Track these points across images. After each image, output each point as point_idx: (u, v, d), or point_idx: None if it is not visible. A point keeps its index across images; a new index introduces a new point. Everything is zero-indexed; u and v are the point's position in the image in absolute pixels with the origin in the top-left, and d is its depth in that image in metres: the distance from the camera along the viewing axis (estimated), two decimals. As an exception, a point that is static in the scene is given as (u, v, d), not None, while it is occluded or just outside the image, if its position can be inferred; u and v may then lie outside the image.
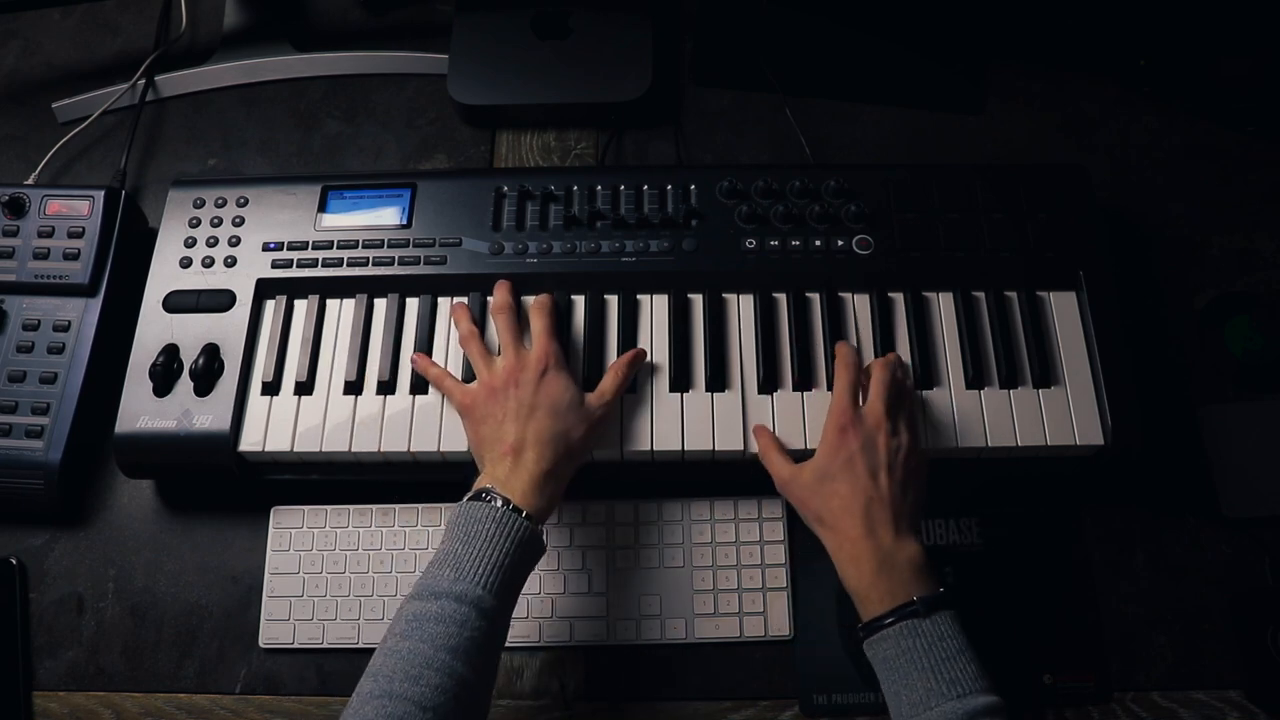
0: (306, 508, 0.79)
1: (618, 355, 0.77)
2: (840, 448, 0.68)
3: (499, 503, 0.64)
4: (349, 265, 0.81)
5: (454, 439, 0.75)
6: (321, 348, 0.80)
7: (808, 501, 0.69)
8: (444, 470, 0.77)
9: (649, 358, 0.78)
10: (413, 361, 0.77)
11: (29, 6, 1.01)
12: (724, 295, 0.80)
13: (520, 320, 0.77)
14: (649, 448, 0.75)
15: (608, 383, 0.74)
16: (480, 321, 0.78)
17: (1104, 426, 0.75)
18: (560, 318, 0.77)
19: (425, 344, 0.78)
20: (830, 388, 0.75)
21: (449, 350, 0.79)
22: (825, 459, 0.69)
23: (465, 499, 0.66)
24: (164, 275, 0.82)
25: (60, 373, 0.81)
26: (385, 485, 0.79)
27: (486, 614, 0.60)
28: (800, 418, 0.75)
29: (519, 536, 0.64)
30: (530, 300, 0.78)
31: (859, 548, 0.65)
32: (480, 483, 0.67)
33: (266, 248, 0.82)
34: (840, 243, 0.81)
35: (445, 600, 0.60)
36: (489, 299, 0.78)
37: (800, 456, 0.73)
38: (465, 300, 0.79)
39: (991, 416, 0.76)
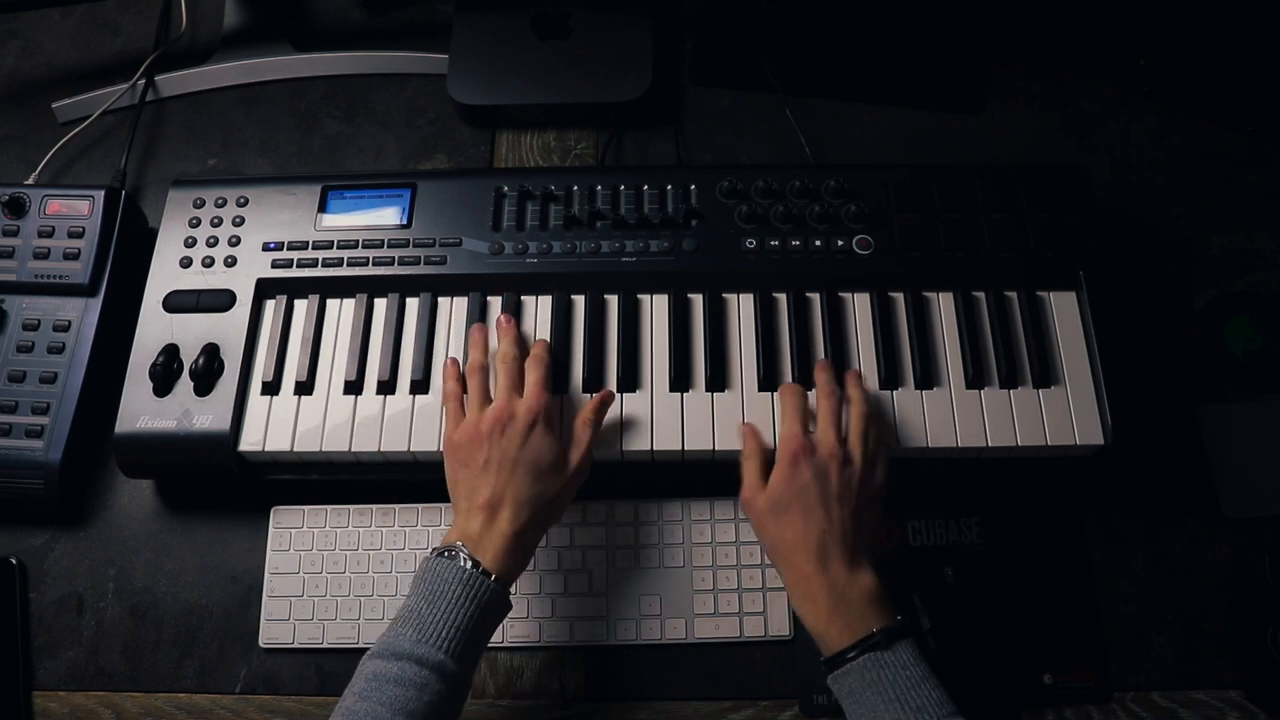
0: (306, 508, 0.79)
1: (618, 355, 0.78)
2: (793, 478, 0.68)
3: (469, 564, 0.64)
4: (349, 265, 0.81)
5: (454, 439, 0.75)
6: (321, 348, 0.80)
7: (763, 529, 0.69)
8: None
9: (649, 358, 0.78)
10: (445, 365, 0.76)
11: (29, 6, 1.01)
12: (724, 295, 0.80)
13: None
14: (649, 448, 0.75)
15: (583, 437, 0.72)
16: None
17: (1104, 426, 0.75)
18: (556, 370, 0.76)
19: (425, 344, 0.78)
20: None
21: (449, 351, 0.79)
22: (779, 489, 0.68)
23: (432, 552, 0.65)
24: (164, 275, 0.82)
25: (60, 373, 0.81)
26: (385, 485, 0.79)
27: (447, 679, 0.60)
28: (800, 418, 0.75)
29: (485, 600, 0.63)
30: (529, 350, 0.75)
31: (813, 584, 0.65)
32: (450, 537, 0.66)
33: (266, 248, 0.82)
34: (840, 243, 0.81)
35: (406, 662, 0.60)
36: (496, 332, 0.76)
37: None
38: (484, 326, 0.77)
39: (991, 416, 0.76)
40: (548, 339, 0.78)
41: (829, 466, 0.68)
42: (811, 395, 0.74)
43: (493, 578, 0.64)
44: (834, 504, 0.66)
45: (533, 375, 0.72)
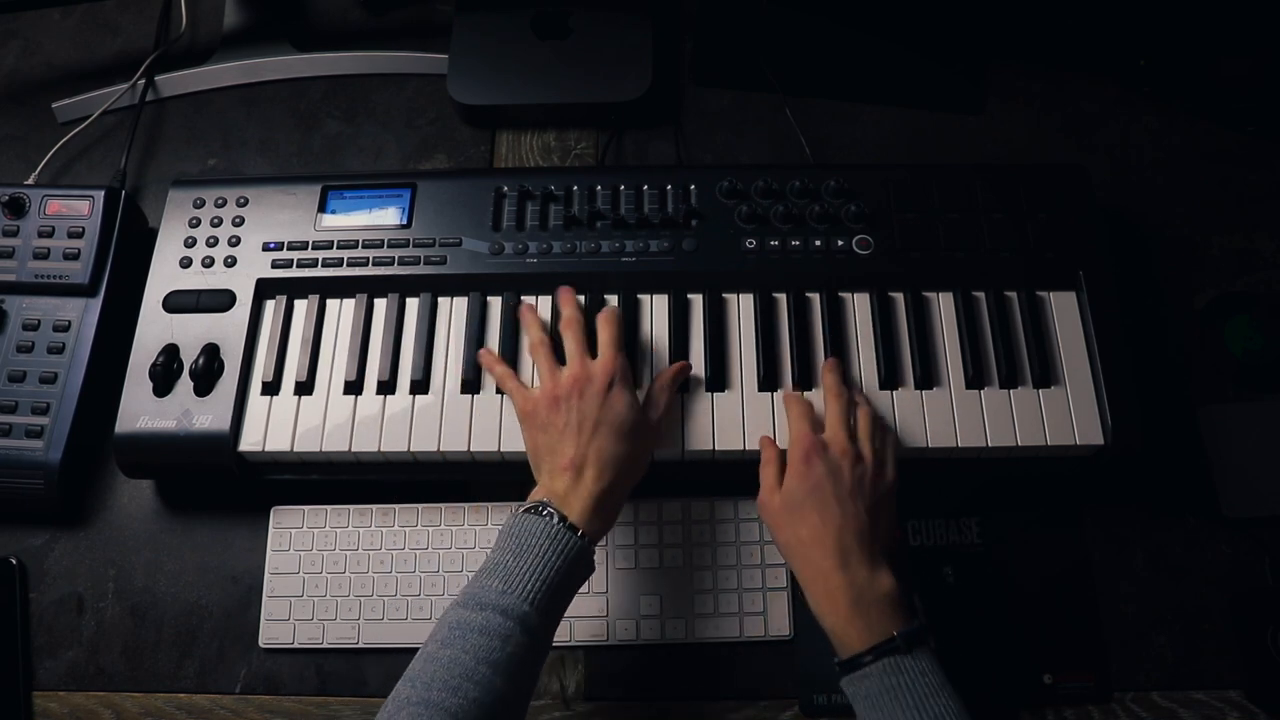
0: (306, 508, 0.79)
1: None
2: (807, 475, 0.67)
3: (555, 519, 0.64)
4: (349, 265, 0.81)
5: (454, 439, 0.75)
6: (321, 348, 0.80)
7: (779, 529, 0.68)
8: (444, 470, 0.77)
9: (649, 358, 0.78)
10: (479, 357, 0.76)
11: (29, 6, 1.01)
12: (724, 295, 0.80)
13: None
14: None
15: (660, 399, 0.73)
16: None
17: (1104, 426, 0.75)
18: (626, 328, 0.76)
19: (425, 344, 0.78)
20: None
21: (449, 350, 0.79)
22: (793, 486, 0.68)
23: (520, 509, 0.65)
24: (164, 275, 0.82)
25: (60, 373, 0.81)
26: (385, 485, 0.79)
27: (531, 631, 0.60)
28: (800, 418, 0.75)
29: (572, 555, 0.63)
30: (599, 313, 0.76)
31: (832, 581, 0.64)
32: (536, 494, 0.66)
33: (266, 248, 0.82)
34: (840, 243, 0.81)
35: (491, 612, 0.59)
36: (558, 306, 0.76)
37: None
38: (532, 301, 0.78)
39: (991, 416, 0.76)
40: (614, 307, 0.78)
41: (841, 464, 0.68)
42: (816, 397, 0.75)
43: (579, 533, 0.64)
44: (849, 500, 0.66)
45: (605, 333, 0.73)
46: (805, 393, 0.76)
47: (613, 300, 0.80)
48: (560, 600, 0.63)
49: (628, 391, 0.70)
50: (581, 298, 0.80)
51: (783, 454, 0.72)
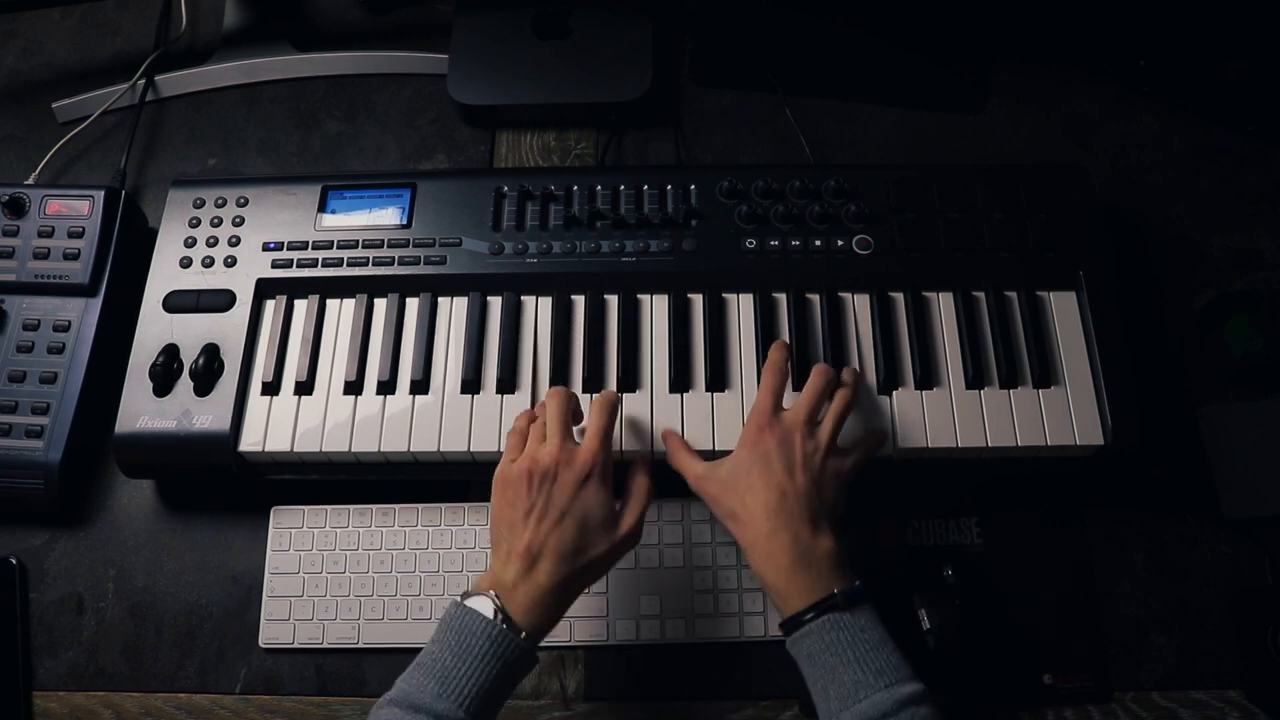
0: (306, 508, 0.79)
1: (618, 355, 0.78)
2: (757, 444, 0.68)
3: (499, 618, 0.61)
4: (349, 265, 0.81)
5: (454, 439, 0.75)
6: (321, 348, 0.80)
7: (721, 498, 0.68)
8: (444, 470, 0.77)
9: (649, 358, 0.78)
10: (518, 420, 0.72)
11: (29, 6, 1.01)
12: (724, 295, 0.80)
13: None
14: (649, 448, 0.75)
15: (636, 505, 0.68)
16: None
17: (1104, 426, 0.75)
18: (616, 420, 0.72)
19: (425, 344, 0.78)
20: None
21: (449, 350, 0.79)
22: (741, 454, 0.68)
23: (463, 598, 0.63)
24: (164, 275, 0.82)
25: (60, 373, 0.81)
26: (385, 485, 0.79)
27: None
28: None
29: (512, 658, 0.61)
30: (594, 397, 0.75)
31: (774, 543, 0.64)
32: (484, 583, 0.64)
33: (266, 248, 0.82)
34: (840, 243, 0.81)
35: (425, 716, 0.58)
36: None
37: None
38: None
39: (991, 416, 0.76)
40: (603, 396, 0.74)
41: (793, 437, 0.68)
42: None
43: (522, 634, 0.61)
44: (797, 469, 0.66)
45: (596, 422, 0.69)
46: None
47: (613, 299, 0.80)
48: (496, 701, 0.62)
49: (603, 490, 0.66)
50: (580, 298, 0.80)
51: (684, 441, 0.73)
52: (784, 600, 0.64)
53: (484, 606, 0.62)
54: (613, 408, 0.70)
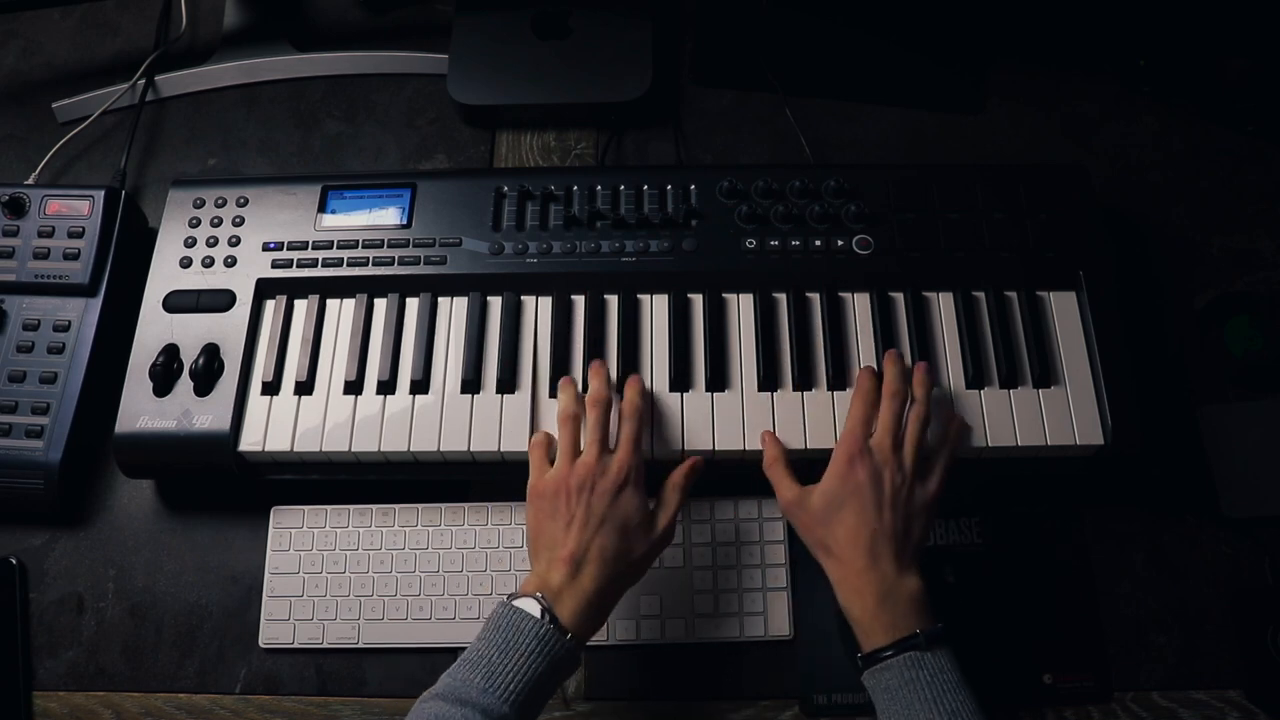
0: (306, 508, 0.79)
1: (618, 355, 0.78)
2: (848, 478, 0.68)
3: (546, 618, 0.63)
4: (349, 265, 0.81)
5: (454, 439, 0.75)
6: (321, 348, 0.80)
7: (812, 529, 0.69)
8: (444, 470, 0.77)
9: (649, 358, 0.78)
10: (532, 443, 0.73)
11: (29, 6, 1.01)
12: (724, 295, 0.80)
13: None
14: (649, 448, 0.75)
15: (671, 500, 0.71)
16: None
17: (1104, 426, 0.75)
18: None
19: (425, 344, 0.78)
20: (830, 387, 0.76)
21: (449, 350, 0.79)
22: (833, 488, 0.69)
23: (510, 599, 0.64)
24: (164, 275, 0.82)
25: (60, 373, 0.81)
26: (385, 485, 0.79)
27: None
28: (800, 418, 0.75)
29: (559, 657, 0.62)
30: (623, 405, 0.74)
31: (863, 579, 0.66)
32: (530, 585, 0.65)
33: (266, 248, 0.82)
34: (840, 243, 0.81)
35: (470, 710, 0.59)
36: (588, 379, 0.75)
37: (799, 457, 0.73)
38: (572, 379, 0.76)
39: (991, 416, 0.76)
40: (642, 384, 0.75)
41: (883, 472, 0.68)
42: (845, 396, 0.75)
43: (569, 635, 0.63)
44: (886, 508, 0.67)
45: (627, 429, 0.71)
46: (808, 391, 0.76)
47: (613, 299, 0.80)
48: (540, 698, 0.63)
49: (639, 494, 0.69)
50: (580, 298, 0.80)
51: (787, 452, 0.73)
52: (866, 634, 0.65)
53: (531, 607, 0.63)
54: (642, 415, 0.73)
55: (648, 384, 0.77)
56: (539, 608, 0.63)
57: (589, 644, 0.75)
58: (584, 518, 0.67)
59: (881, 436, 0.70)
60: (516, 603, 0.64)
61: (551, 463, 0.71)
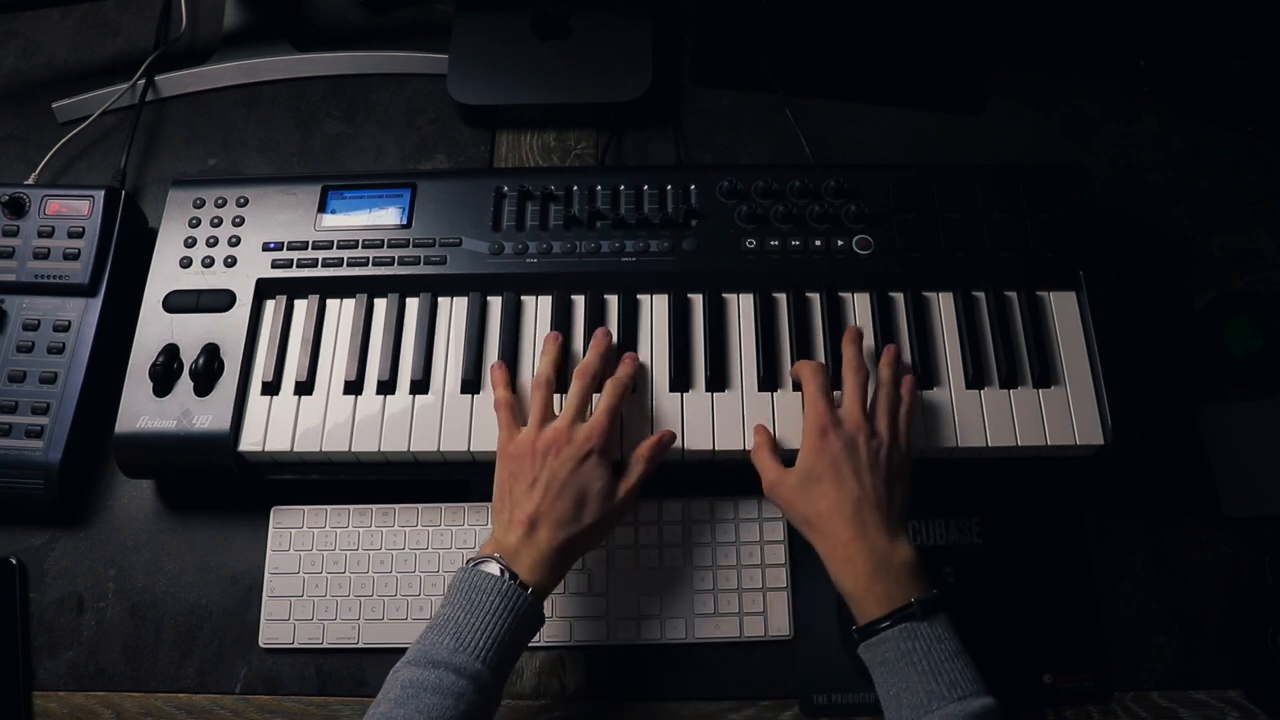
0: (306, 508, 0.79)
1: (618, 356, 0.77)
2: (823, 450, 0.68)
3: (505, 575, 0.64)
4: (349, 265, 0.81)
5: (454, 439, 0.75)
6: (321, 348, 0.80)
7: (795, 504, 0.69)
8: (444, 470, 0.77)
9: (649, 358, 0.78)
10: (491, 370, 0.76)
11: (29, 6, 1.01)
12: (724, 295, 0.80)
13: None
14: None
15: (635, 469, 0.71)
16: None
17: (1104, 426, 0.75)
18: (627, 399, 0.74)
19: (425, 344, 0.78)
20: (830, 387, 0.76)
21: (449, 350, 0.79)
22: (809, 461, 0.69)
23: (469, 563, 0.66)
24: (164, 275, 0.82)
25: (60, 373, 0.81)
26: (385, 485, 0.79)
27: (483, 689, 0.60)
28: (800, 418, 0.75)
29: (521, 611, 0.63)
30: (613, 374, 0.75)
31: (851, 549, 0.65)
32: (487, 548, 0.67)
33: (266, 248, 0.82)
34: (840, 243, 0.81)
35: (443, 671, 0.60)
36: (589, 347, 0.76)
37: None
38: (559, 335, 0.77)
39: (991, 416, 0.76)
40: (635, 361, 0.76)
41: (857, 438, 0.68)
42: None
43: (529, 589, 0.64)
44: (865, 473, 0.67)
45: (605, 400, 0.72)
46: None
47: (613, 299, 0.80)
48: (510, 655, 0.64)
49: (603, 465, 0.69)
50: (580, 298, 0.80)
51: (772, 437, 0.73)
52: (860, 607, 0.65)
53: (491, 567, 0.65)
54: (624, 390, 0.73)
55: (648, 384, 0.77)
56: (498, 567, 0.65)
57: (589, 644, 0.75)
58: (546, 480, 0.68)
59: (850, 405, 0.70)
60: (476, 566, 0.65)
61: (523, 426, 0.72)
